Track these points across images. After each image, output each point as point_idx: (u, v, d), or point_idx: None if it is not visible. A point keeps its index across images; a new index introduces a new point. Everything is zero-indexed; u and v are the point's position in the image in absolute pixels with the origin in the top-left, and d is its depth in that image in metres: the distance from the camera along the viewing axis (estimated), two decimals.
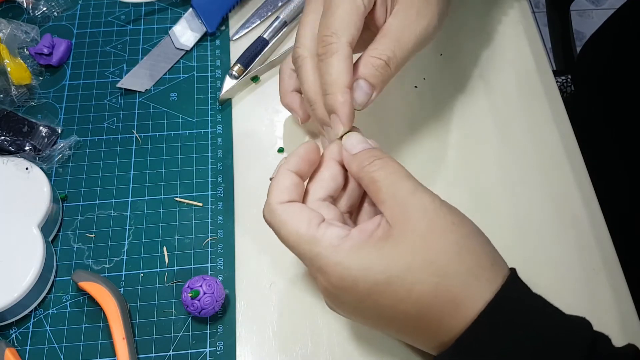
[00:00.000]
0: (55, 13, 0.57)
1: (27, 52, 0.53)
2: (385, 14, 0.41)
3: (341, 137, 0.39)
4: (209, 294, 0.40)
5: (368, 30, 0.41)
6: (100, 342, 0.42)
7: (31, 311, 0.43)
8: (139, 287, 0.44)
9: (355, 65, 0.39)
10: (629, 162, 0.66)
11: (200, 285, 0.41)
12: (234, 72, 0.52)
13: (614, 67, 0.73)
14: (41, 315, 0.43)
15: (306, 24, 0.41)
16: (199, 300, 0.40)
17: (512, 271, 0.35)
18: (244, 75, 0.52)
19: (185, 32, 0.54)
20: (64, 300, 0.43)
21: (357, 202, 0.40)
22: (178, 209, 0.47)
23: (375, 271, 0.33)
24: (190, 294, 0.40)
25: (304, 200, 0.38)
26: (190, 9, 0.55)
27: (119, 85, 0.51)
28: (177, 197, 0.47)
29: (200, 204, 0.47)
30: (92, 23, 0.56)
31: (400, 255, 0.33)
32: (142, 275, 0.44)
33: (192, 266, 0.45)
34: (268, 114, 0.51)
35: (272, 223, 0.37)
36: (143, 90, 0.52)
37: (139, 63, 0.52)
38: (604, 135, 0.70)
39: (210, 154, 0.49)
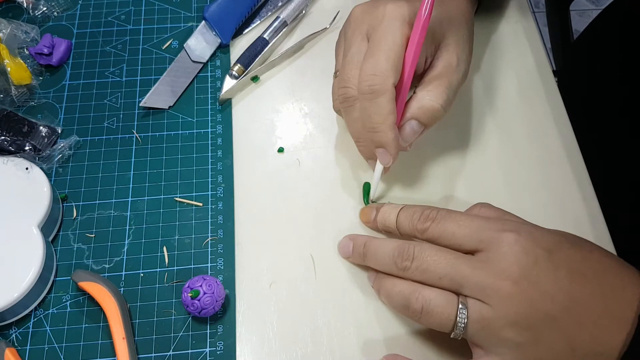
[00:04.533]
0: (55, 13, 0.57)
1: (27, 52, 0.53)
2: (425, 57, 0.43)
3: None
4: (209, 294, 0.40)
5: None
6: (100, 342, 0.42)
7: (31, 311, 0.43)
8: (139, 287, 0.44)
9: (407, 104, 0.42)
10: (628, 162, 0.66)
11: (200, 285, 0.41)
12: (234, 72, 0.52)
13: (606, 66, 0.73)
14: (41, 315, 0.43)
15: (352, 64, 0.42)
16: (199, 300, 0.40)
17: None
18: (244, 75, 0.52)
19: (200, 44, 0.54)
20: (64, 300, 0.43)
21: None
22: (178, 209, 0.47)
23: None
24: (190, 294, 0.40)
25: None
26: (203, 22, 0.55)
27: (142, 104, 0.50)
28: (177, 197, 0.47)
29: (201, 204, 0.47)
30: (92, 23, 0.56)
31: None
32: (142, 275, 0.44)
33: (192, 266, 0.45)
34: (268, 114, 0.51)
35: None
36: (167, 108, 0.51)
37: (159, 80, 0.52)
38: (602, 133, 0.70)
39: (210, 154, 0.49)
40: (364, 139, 0.43)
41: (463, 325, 0.35)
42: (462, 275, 0.36)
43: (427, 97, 0.42)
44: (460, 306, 0.36)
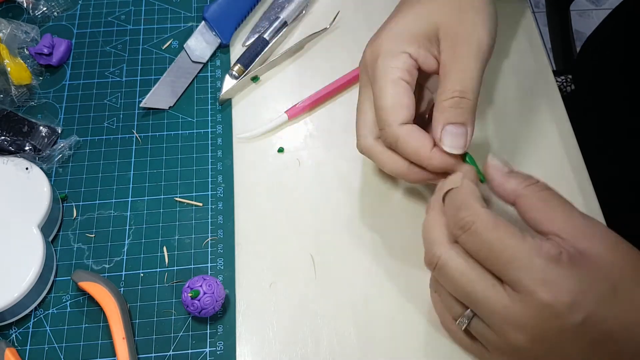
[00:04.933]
0: (55, 13, 0.57)
1: (27, 52, 0.53)
2: (437, 59, 0.41)
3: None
4: (209, 294, 0.40)
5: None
6: (100, 342, 0.42)
7: (31, 311, 0.43)
8: (139, 287, 0.44)
9: (435, 117, 0.39)
10: (629, 162, 0.66)
11: (200, 285, 0.41)
12: (234, 72, 0.52)
13: (612, 67, 0.73)
14: (41, 315, 0.43)
15: (363, 113, 0.42)
16: (199, 300, 0.40)
17: None
18: (244, 75, 0.52)
19: (200, 45, 0.54)
20: (64, 300, 0.43)
21: None
22: (178, 209, 0.47)
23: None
24: (190, 294, 0.40)
25: None
26: (203, 22, 0.55)
27: (142, 105, 0.50)
28: (177, 197, 0.47)
29: (200, 204, 0.47)
30: (92, 23, 0.56)
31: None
32: (142, 275, 0.44)
33: (192, 266, 0.45)
34: (268, 114, 0.51)
35: (480, 225, 0.34)
36: (167, 108, 0.51)
37: (159, 81, 0.52)
38: (604, 134, 0.70)
39: (210, 154, 0.49)
40: (415, 174, 0.40)
41: (463, 326, 0.35)
42: (478, 309, 0.33)
43: (442, 98, 0.38)
44: (462, 318, 0.35)
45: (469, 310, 0.35)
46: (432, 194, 0.39)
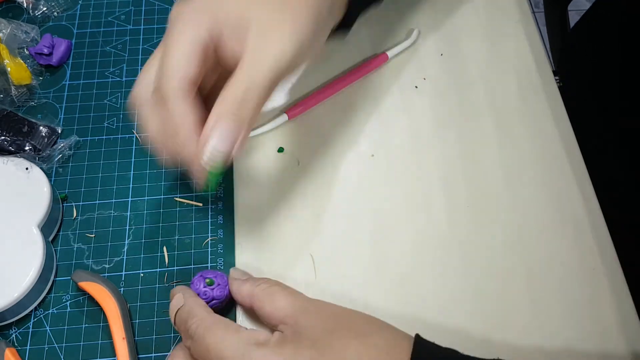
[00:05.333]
0: (55, 13, 0.57)
1: (27, 52, 0.53)
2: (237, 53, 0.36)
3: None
4: (222, 285, 0.41)
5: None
6: (100, 342, 0.42)
7: (31, 311, 0.43)
8: (139, 287, 0.44)
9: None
10: (628, 161, 0.66)
11: (215, 277, 0.41)
12: None
13: (595, 63, 0.73)
14: (41, 315, 0.43)
15: (150, 64, 0.39)
16: (212, 289, 0.40)
17: (417, 337, 0.35)
18: None
19: None
20: (64, 300, 0.43)
21: None
22: (178, 209, 0.47)
23: None
24: (207, 281, 0.40)
25: None
26: None
27: None
28: (177, 197, 0.47)
29: (200, 204, 0.47)
30: (92, 23, 0.56)
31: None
32: (142, 275, 0.44)
33: (192, 266, 0.45)
34: (268, 114, 0.51)
35: (202, 328, 0.36)
36: None
37: None
38: (602, 133, 0.70)
39: None
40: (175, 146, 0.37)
41: None
42: None
43: (225, 90, 0.35)
44: None
45: None
46: (431, 195, 0.39)
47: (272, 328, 0.37)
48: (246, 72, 0.35)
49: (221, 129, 0.34)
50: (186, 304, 0.38)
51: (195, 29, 0.36)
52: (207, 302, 0.40)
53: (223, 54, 0.37)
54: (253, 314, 0.41)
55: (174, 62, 0.35)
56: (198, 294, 0.40)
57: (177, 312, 0.38)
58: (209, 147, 0.35)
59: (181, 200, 0.47)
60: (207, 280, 0.40)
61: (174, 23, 0.37)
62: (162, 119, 0.36)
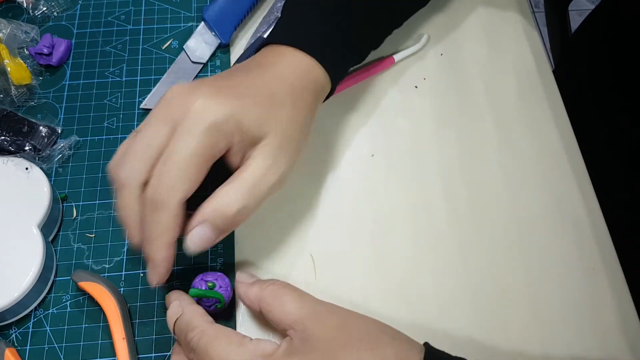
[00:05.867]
0: (55, 13, 0.57)
1: (27, 52, 0.53)
2: (241, 157, 0.38)
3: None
4: (224, 287, 0.40)
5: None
6: (100, 342, 0.42)
7: (31, 311, 0.43)
8: (139, 287, 0.44)
9: (203, 203, 0.37)
10: (628, 162, 0.66)
11: (216, 279, 0.41)
12: None
13: (597, 66, 0.73)
14: (41, 315, 0.43)
15: (141, 148, 0.36)
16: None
17: (427, 347, 0.35)
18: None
19: (200, 45, 0.54)
20: (64, 300, 0.43)
21: None
22: None
23: None
24: (209, 284, 0.40)
25: None
26: (202, 23, 0.55)
27: (142, 106, 0.50)
28: None
29: None
30: (92, 23, 0.56)
31: None
32: (142, 275, 0.44)
33: (192, 266, 0.45)
34: None
35: (204, 340, 0.35)
36: None
37: (159, 82, 0.52)
38: (603, 134, 0.70)
39: None
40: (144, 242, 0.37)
41: None
42: None
43: (224, 199, 0.36)
44: None
45: None
46: (431, 195, 0.39)
47: (281, 332, 0.36)
48: (249, 188, 0.36)
49: (201, 232, 0.36)
50: (184, 313, 0.37)
51: (210, 138, 0.35)
52: (209, 306, 0.40)
53: (224, 157, 0.38)
54: (255, 316, 0.41)
55: (180, 175, 0.35)
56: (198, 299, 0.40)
57: (175, 321, 0.37)
58: (187, 241, 0.37)
59: None
60: (210, 284, 0.40)
61: (185, 117, 0.35)
62: (147, 220, 0.36)
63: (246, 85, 0.38)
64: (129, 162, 0.37)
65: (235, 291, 0.40)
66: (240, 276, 0.40)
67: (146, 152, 0.36)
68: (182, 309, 0.37)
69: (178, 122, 0.36)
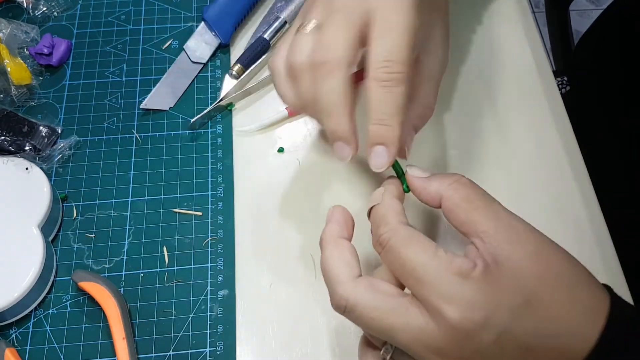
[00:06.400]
0: (55, 13, 0.57)
1: (27, 52, 0.53)
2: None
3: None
4: None
5: None
6: (100, 342, 0.42)
7: (31, 311, 0.43)
8: (139, 287, 0.44)
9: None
10: (628, 161, 0.66)
11: None
12: (233, 72, 0.52)
13: (606, 66, 0.73)
14: (41, 315, 0.43)
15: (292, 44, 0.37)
16: None
17: (610, 290, 0.32)
18: (245, 75, 0.52)
19: (200, 45, 0.54)
20: (64, 300, 0.43)
21: None
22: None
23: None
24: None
25: None
26: (202, 23, 0.55)
27: (142, 106, 0.51)
28: (176, 209, 0.47)
29: (200, 214, 0.47)
30: (92, 23, 0.56)
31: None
32: (142, 275, 0.44)
33: (192, 266, 0.45)
34: (268, 114, 0.51)
35: (395, 241, 0.33)
36: (167, 109, 0.51)
37: (159, 82, 0.52)
38: (603, 134, 0.70)
39: (210, 153, 0.49)
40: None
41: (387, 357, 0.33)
42: (395, 340, 0.31)
43: (424, 105, 0.40)
44: (384, 351, 0.33)
45: (387, 345, 0.33)
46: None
47: (463, 233, 0.33)
48: (435, 86, 0.39)
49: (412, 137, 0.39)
50: (382, 204, 0.34)
51: (355, 7, 0.35)
52: None
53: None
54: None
55: (346, 40, 0.35)
56: None
57: (372, 209, 0.35)
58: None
59: (180, 211, 0.47)
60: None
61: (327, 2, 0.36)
62: (311, 91, 0.36)
63: None
64: (287, 51, 0.37)
65: (409, 185, 0.36)
66: (412, 170, 0.36)
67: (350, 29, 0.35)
68: (382, 198, 0.35)
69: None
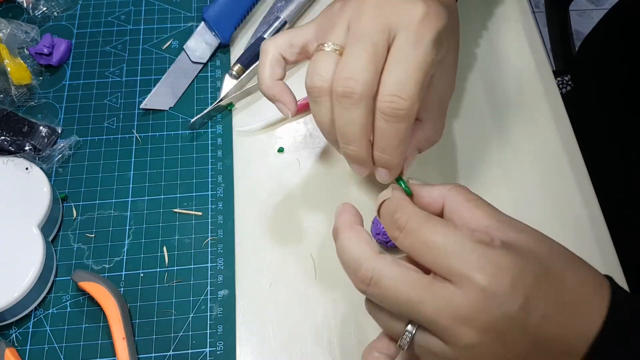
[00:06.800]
0: (55, 13, 0.57)
1: (27, 52, 0.53)
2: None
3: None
4: None
5: None
6: (100, 342, 0.42)
7: (31, 311, 0.43)
8: (139, 287, 0.44)
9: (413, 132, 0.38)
10: (628, 162, 0.66)
11: None
12: (233, 72, 0.52)
13: (611, 66, 0.73)
14: (41, 315, 0.43)
15: (323, 62, 0.36)
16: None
17: (610, 278, 0.33)
18: (244, 74, 0.52)
19: (200, 45, 0.54)
20: (64, 300, 0.43)
21: None
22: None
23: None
24: None
25: None
26: (202, 23, 0.55)
27: (142, 106, 0.51)
28: (176, 209, 0.47)
29: (200, 214, 0.47)
30: (92, 23, 0.56)
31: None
32: (142, 275, 0.44)
33: (192, 266, 0.45)
34: (268, 114, 0.51)
35: (415, 221, 0.33)
36: (167, 109, 0.51)
37: (159, 82, 0.52)
38: (603, 134, 0.70)
39: (210, 154, 0.49)
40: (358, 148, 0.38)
41: (405, 346, 0.33)
42: (421, 314, 0.31)
43: (433, 128, 0.41)
44: (405, 334, 0.33)
45: (409, 325, 0.33)
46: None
47: None
48: (444, 111, 0.39)
49: (413, 157, 0.40)
50: (394, 196, 0.35)
51: (379, 35, 0.35)
52: (386, 242, 0.40)
53: None
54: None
55: (370, 72, 0.35)
56: (378, 234, 0.41)
57: (382, 203, 0.36)
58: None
59: (180, 211, 0.47)
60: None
61: (411, 23, 0.35)
62: (329, 116, 0.36)
63: None
64: (319, 71, 0.36)
65: (412, 191, 0.37)
66: (413, 180, 0.38)
67: (329, 60, 0.36)
68: (391, 194, 0.36)
69: (396, 26, 0.35)
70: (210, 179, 0.48)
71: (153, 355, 0.41)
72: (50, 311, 0.43)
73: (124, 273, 0.44)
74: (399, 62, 0.35)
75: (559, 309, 0.30)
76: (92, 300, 0.43)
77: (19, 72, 0.49)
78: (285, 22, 0.54)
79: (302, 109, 0.50)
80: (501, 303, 0.30)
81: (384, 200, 0.36)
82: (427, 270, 0.32)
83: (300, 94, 0.41)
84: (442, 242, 0.31)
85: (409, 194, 0.37)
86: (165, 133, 0.50)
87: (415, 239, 0.32)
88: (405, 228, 0.33)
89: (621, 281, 0.44)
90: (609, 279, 0.33)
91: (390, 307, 0.33)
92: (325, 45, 0.37)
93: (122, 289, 0.44)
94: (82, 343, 0.42)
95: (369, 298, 0.34)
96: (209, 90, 0.53)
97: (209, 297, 0.43)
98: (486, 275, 0.30)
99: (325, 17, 0.40)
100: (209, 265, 0.45)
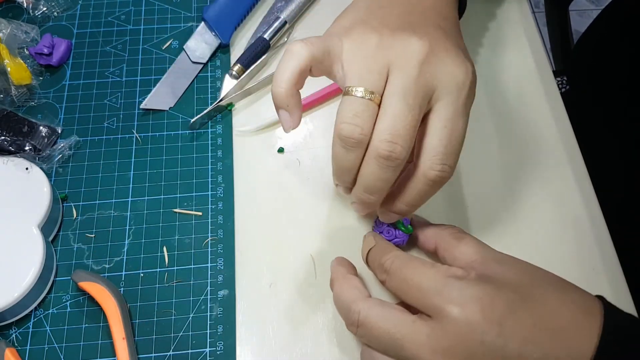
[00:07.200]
0: (55, 13, 0.57)
1: (27, 52, 0.53)
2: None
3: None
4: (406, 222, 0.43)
5: None
6: (100, 342, 0.42)
7: (31, 311, 0.43)
8: (139, 287, 0.44)
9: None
10: (628, 162, 0.66)
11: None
12: (234, 72, 0.52)
13: (605, 66, 0.73)
14: (41, 315, 0.43)
15: (406, 118, 0.34)
16: (395, 229, 0.42)
17: (604, 300, 0.34)
18: (245, 75, 0.52)
19: (200, 45, 0.54)
20: (64, 300, 0.43)
21: None
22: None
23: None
24: (402, 229, 0.42)
25: None
26: (202, 23, 0.55)
27: (142, 106, 0.51)
28: (176, 209, 0.47)
29: (200, 214, 0.47)
30: (92, 23, 0.56)
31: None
32: (142, 275, 0.44)
33: (192, 266, 0.45)
34: (268, 114, 0.51)
35: (398, 263, 0.37)
36: (167, 109, 0.51)
37: (159, 82, 0.52)
38: (602, 134, 0.70)
39: (210, 154, 0.49)
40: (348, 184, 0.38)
41: None
42: (404, 350, 0.33)
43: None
44: None
45: None
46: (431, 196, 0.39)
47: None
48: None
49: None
50: (379, 244, 0.40)
51: (424, 98, 0.35)
52: (390, 240, 0.42)
53: None
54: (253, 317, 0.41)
55: (413, 138, 0.35)
56: (381, 232, 0.42)
57: (369, 251, 0.40)
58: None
59: (180, 211, 0.47)
60: (403, 228, 0.42)
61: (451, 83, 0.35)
62: (376, 175, 0.35)
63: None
64: (354, 126, 0.34)
65: (412, 225, 0.42)
66: (417, 217, 0.43)
67: (409, 122, 0.34)
68: (375, 241, 0.40)
69: (394, 66, 0.35)
70: (210, 179, 0.48)
71: (153, 355, 0.41)
72: (50, 311, 0.43)
73: (124, 273, 0.44)
74: (447, 132, 0.35)
75: (541, 333, 0.31)
76: (92, 300, 0.43)
77: (19, 72, 0.49)
78: (285, 22, 0.54)
79: (304, 108, 0.50)
80: (475, 332, 0.31)
81: (370, 249, 0.40)
82: (415, 311, 0.34)
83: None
84: (419, 279, 0.34)
85: (410, 232, 0.42)
86: (165, 133, 0.50)
87: (398, 279, 0.36)
88: (390, 270, 0.36)
89: (621, 281, 0.44)
90: (602, 300, 0.34)
91: (377, 347, 0.35)
92: (359, 90, 0.34)
93: (122, 289, 0.44)
94: (82, 343, 0.42)
95: (361, 340, 0.37)
96: (209, 90, 0.53)
97: (209, 297, 0.43)
98: (457, 306, 0.32)
99: (358, 49, 0.36)
100: (209, 265, 0.45)
